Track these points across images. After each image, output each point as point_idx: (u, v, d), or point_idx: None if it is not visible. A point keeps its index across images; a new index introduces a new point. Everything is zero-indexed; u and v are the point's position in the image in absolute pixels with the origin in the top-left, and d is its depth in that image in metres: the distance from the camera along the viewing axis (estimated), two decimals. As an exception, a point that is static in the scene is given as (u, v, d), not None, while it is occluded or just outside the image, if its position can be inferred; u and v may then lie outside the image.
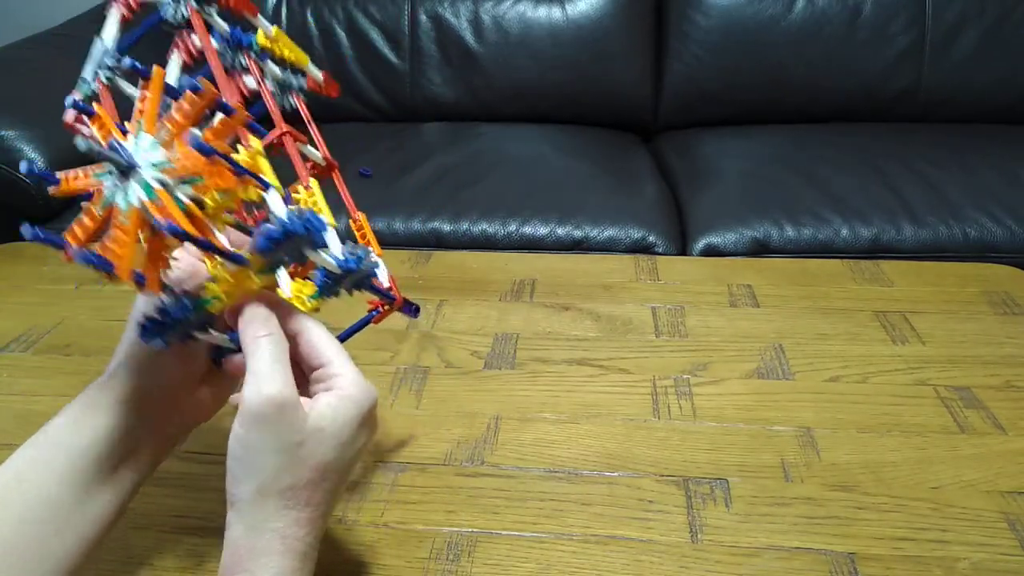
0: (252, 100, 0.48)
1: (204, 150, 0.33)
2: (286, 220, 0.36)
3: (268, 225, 0.36)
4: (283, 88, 0.52)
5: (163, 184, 0.33)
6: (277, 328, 0.37)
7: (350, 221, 0.49)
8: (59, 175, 0.37)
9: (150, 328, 0.39)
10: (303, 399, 0.36)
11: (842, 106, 1.54)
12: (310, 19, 1.61)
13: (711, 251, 1.16)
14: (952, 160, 1.29)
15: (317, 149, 0.51)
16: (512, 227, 1.18)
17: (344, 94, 1.62)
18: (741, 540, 0.48)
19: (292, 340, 0.38)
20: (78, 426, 0.39)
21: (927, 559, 0.46)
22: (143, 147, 0.34)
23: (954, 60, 1.49)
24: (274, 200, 0.37)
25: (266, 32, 0.49)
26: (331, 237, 0.38)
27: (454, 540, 0.48)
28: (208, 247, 0.34)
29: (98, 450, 0.38)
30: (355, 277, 0.40)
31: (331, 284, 0.39)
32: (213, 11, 0.46)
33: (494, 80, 1.58)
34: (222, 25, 0.47)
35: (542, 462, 0.54)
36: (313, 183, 0.45)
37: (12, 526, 0.36)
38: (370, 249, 0.41)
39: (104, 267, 0.34)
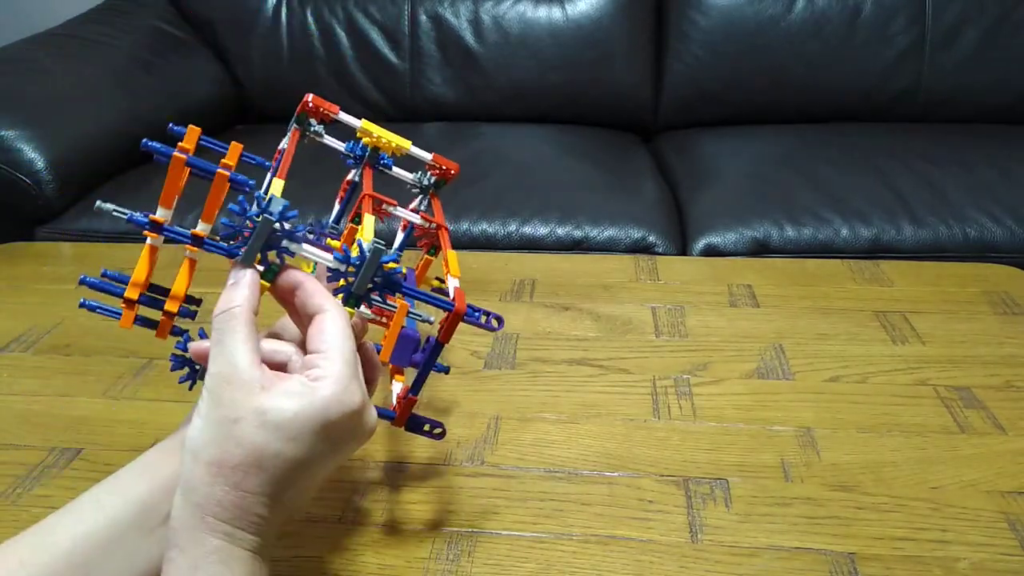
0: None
1: None
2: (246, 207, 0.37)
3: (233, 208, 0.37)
4: (422, 190, 0.55)
5: None
6: (250, 312, 0.36)
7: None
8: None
9: (177, 363, 0.41)
10: (279, 375, 0.35)
11: (842, 106, 1.54)
12: (310, 19, 1.62)
13: (711, 251, 1.16)
14: (952, 160, 1.29)
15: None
16: (512, 227, 1.19)
17: (344, 94, 1.63)
18: (741, 540, 0.48)
19: (308, 320, 0.37)
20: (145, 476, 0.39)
21: (927, 559, 0.46)
22: None
23: (954, 60, 1.49)
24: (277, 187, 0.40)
25: (356, 128, 0.51)
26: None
27: (454, 540, 0.48)
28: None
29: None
30: (365, 274, 0.39)
31: (347, 287, 0.39)
32: (320, 129, 0.51)
33: (494, 80, 1.58)
34: (338, 145, 0.52)
35: (542, 462, 0.54)
36: (367, 217, 0.45)
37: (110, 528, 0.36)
38: (381, 242, 0.40)
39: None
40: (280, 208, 0.37)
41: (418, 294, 0.41)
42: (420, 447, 0.56)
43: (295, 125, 0.51)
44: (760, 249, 1.16)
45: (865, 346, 0.68)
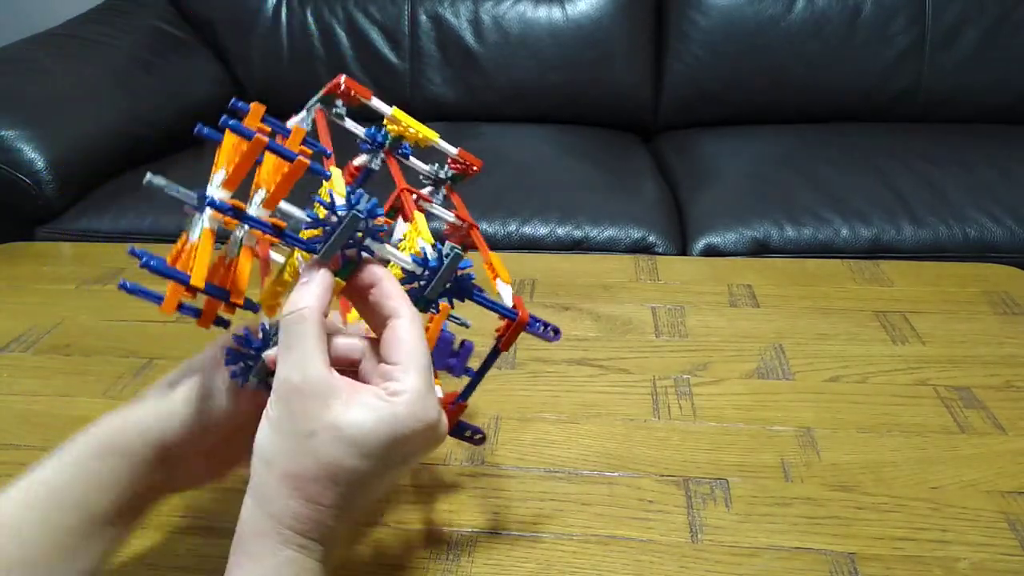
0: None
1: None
2: (339, 202, 0.35)
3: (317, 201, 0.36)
4: (436, 183, 0.55)
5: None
6: (315, 307, 0.35)
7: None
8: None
9: (232, 357, 0.39)
10: (354, 385, 0.34)
11: (842, 106, 1.54)
12: (310, 19, 1.62)
13: (711, 251, 1.16)
14: (952, 160, 1.29)
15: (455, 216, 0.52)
16: (512, 227, 1.19)
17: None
18: (741, 540, 0.48)
19: (382, 326, 0.36)
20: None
21: (927, 559, 0.46)
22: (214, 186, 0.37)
23: (954, 60, 1.49)
24: (336, 180, 0.38)
25: (386, 115, 0.50)
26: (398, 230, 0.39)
27: (454, 540, 0.48)
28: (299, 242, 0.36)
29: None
30: (442, 278, 0.38)
31: (418, 291, 0.38)
32: (343, 111, 0.49)
33: (494, 80, 1.58)
34: (358, 129, 0.51)
35: (542, 462, 0.54)
36: (418, 216, 0.44)
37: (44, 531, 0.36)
38: (458, 248, 0.40)
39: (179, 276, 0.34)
40: (369, 206, 0.36)
41: (488, 302, 0.41)
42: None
43: (320, 105, 0.49)
44: (760, 249, 1.16)
45: (865, 346, 0.68)
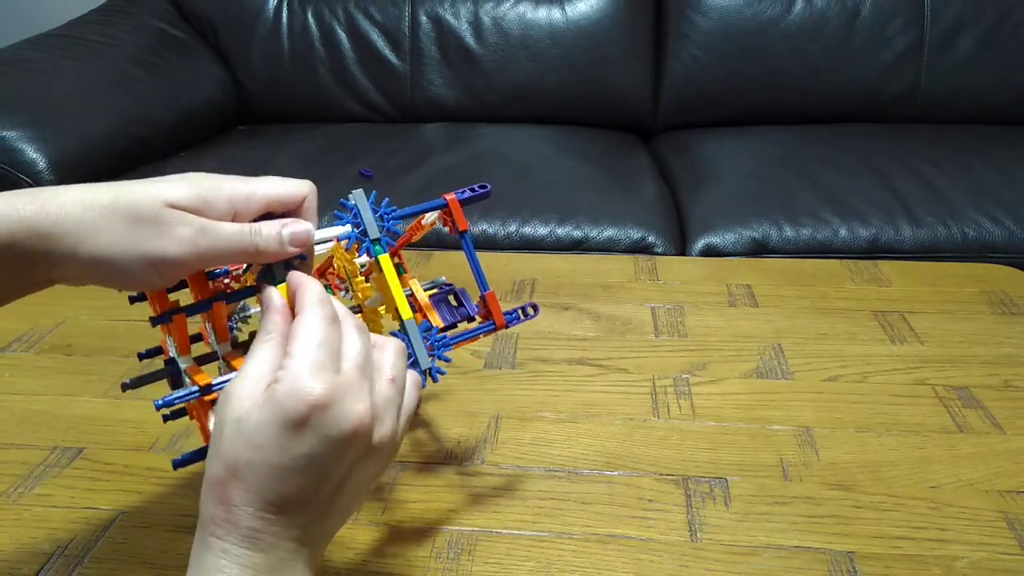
0: None
1: None
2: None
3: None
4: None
5: None
6: (282, 329, 0.37)
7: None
8: None
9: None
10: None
11: (841, 107, 1.54)
12: (311, 20, 1.62)
13: (710, 251, 1.16)
14: (950, 160, 1.29)
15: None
16: (512, 227, 1.19)
17: (344, 95, 1.63)
18: (740, 539, 0.48)
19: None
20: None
21: (926, 558, 0.46)
22: None
23: (953, 61, 1.49)
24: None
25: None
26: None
27: (454, 539, 0.48)
28: None
29: None
30: (367, 217, 0.43)
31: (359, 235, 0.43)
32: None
33: (494, 81, 1.58)
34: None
35: (542, 461, 0.54)
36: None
37: None
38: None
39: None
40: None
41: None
42: (420, 446, 0.56)
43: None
44: (759, 249, 1.16)
45: (864, 346, 0.68)
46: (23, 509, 0.51)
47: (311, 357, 0.34)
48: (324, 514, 0.35)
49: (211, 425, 0.36)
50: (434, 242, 1.19)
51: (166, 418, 0.46)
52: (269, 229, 0.39)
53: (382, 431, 0.35)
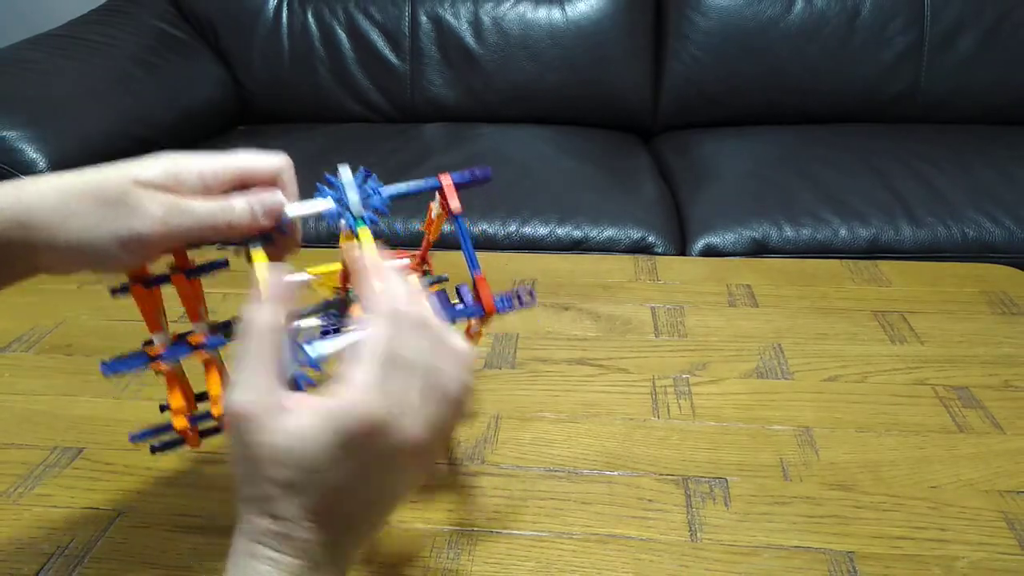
0: None
1: None
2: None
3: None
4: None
5: None
6: (274, 327, 0.34)
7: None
8: None
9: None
10: (301, 398, 0.33)
11: (841, 107, 1.54)
12: (311, 20, 1.62)
13: (710, 251, 1.16)
14: (950, 160, 1.29)
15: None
16: (512, 227, 1.19)
17: (344, 95, 1.63)
18: (740, 539, 0.48)
19: None
20: None
21: (926, 558, 0.46)
22: None
23: (953, 61, 1.49)
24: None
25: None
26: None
27: (454, 539, 0.48)
28: None
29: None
30: (351, 198, 0.42)
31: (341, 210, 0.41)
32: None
33: (494, 81, 1.58)
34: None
35: (542, 461, 0.54)
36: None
37: None
38: None
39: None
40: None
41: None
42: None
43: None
44: (759, 249, 1.16)
45: (864, 346, 0.68)
46: (23, 509, 0.51)
47: (375, 368, 0.32)
48: (369, 524, 0.35)
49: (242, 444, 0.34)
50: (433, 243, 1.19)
51: (154, 449, 0.45)
52: (240, 203, 0.38)
53: (434, 448, 0.35)
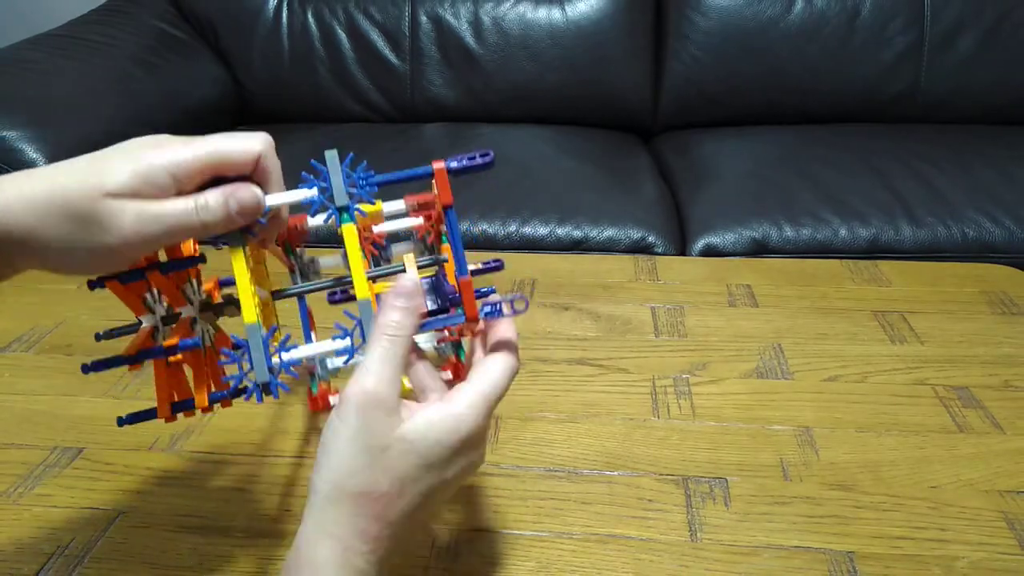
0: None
1: None
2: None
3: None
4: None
5: None
6: (406, 329, 0.36)
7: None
8: None
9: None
10: (413, 404, 0.35)
11: (841, 107, 1.54)
12: (311, 20, 1.62)
13: (710, 251, 1.16)
14: (950, 160, 1.29)
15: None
16: (512, 227, 1.19)
17: (344, 95, 1.63)
18: (740, 539, 0.48)
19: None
20: None
21: (926, 558, 0.46)
22: None
23: (953, 61, 1.49)
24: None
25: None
26: None
27: (454, 538, 0.48)
28: None
29: None
30: (334, 182, 0.40)
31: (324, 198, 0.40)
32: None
33: (494, 81, 1.58)
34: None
35: (542, 461, 0.55)
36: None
37: None
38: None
39: None
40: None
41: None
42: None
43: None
44: (759, 249, 1.16)
45: (864, 346, 0.68)
46: (23, 509, 0.51)
47: (490, 396, 0.36)
48: (405, 548, 0.38)
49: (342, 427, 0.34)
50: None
51: (121, 421, 0.45)
52: (215, 201, 0.36)
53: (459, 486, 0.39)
